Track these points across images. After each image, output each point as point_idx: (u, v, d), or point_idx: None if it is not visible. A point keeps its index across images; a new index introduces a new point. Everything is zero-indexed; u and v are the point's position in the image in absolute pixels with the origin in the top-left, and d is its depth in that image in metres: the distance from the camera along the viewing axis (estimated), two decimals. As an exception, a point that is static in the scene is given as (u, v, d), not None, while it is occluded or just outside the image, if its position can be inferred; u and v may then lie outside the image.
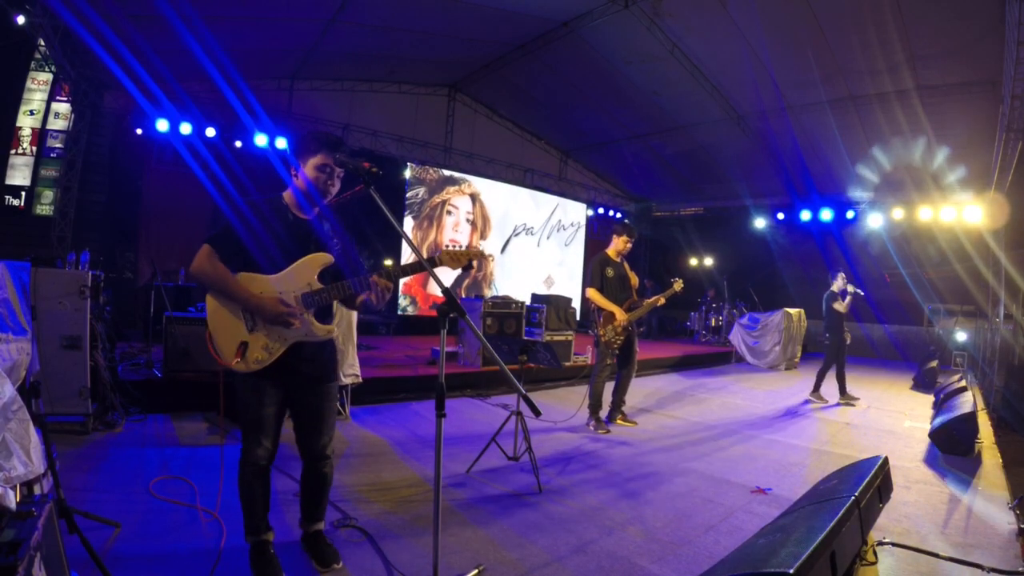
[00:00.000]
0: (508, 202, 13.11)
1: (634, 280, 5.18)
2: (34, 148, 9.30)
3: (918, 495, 3.66)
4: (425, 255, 2.04)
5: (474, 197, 12.52)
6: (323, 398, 2.34)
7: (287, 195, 2.30)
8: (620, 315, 4.89)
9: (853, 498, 2.24)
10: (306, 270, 2.19)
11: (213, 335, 2.15)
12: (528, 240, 13.57)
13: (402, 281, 11.11)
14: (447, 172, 12.10)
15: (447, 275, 11.38)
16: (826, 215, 11.87)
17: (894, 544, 2.75)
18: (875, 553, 2.58)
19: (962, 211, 9.91)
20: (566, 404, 5.76)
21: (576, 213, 14.75)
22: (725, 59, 8.81)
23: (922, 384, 8.50)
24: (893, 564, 2.61)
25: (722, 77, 9.40)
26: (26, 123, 9.33)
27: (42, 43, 7.33)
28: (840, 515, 2.06)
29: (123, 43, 6.26)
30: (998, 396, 7.59)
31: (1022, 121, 5.88)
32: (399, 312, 11.23)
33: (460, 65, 10.74)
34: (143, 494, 2.99)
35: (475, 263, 2.23)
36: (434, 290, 11.59)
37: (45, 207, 9.18)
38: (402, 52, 9.44)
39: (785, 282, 13.41)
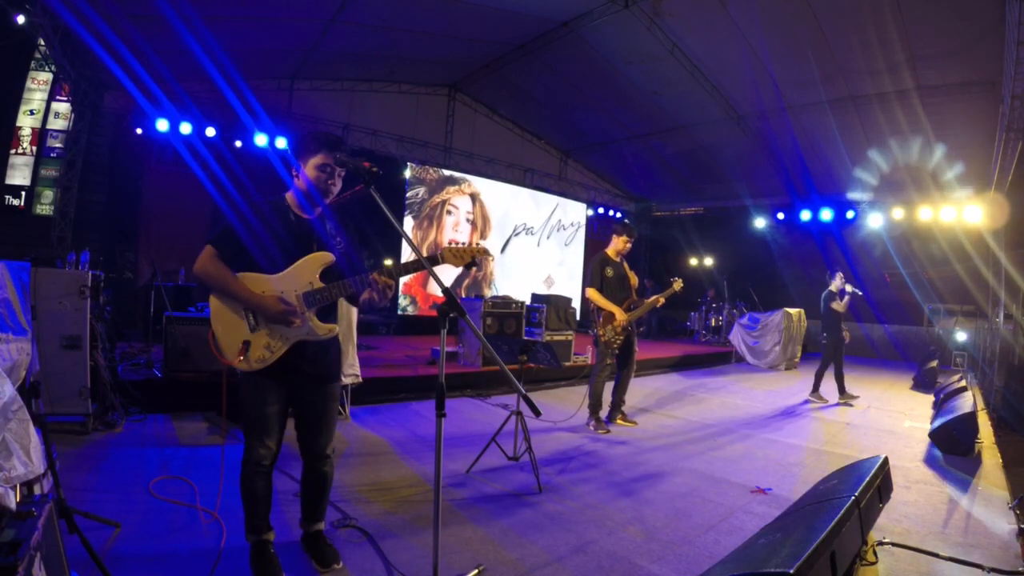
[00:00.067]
0: (508, 202, 13.12)
1: (634, 280, 5.18)
2: (34, 148, 9.30)
3: (918, 495, 3.66)
4: (425, 255, 2.03)
5: (474, 197, 12.52)
6: (325, 398, 2.35)
7: (289, 196, 2.31)
8: (620, 315, 4.89)
9: (853, 498, 2.24)
10: (307, 269, 2.20)
11: (216, 334, 2.16)
12: (528, 240, 13.58)
13: (402, 281, 11.12)
14: (447, 172, 12.10)
15: (447, 275, 11.39)
16: (826, 215, 11.87)
17: (894, 544, 2.75)
18: (875, 553, 2.58)
19: (962, 211, 9.91)
20: (566, 404, 5.76)
21: (576, 213, 14.76)
22: (725, 59, 8.81)
23: (922, 384, 8.50)
24: (893, 564, 2.61)
25: (722, 77, 9.40)
26: (26, 123, 9.33)
27: (42, 43, 7.33)
28: (840, 515, 2.06)
29: (123, 43, 6.26)
30: (998, 396, 7.59)
31: (1022, 121, 5.88)
32: (399, 312, 11.24)
33: (460, 65, 10.74)
34: (143, 494, 2.99)
35: (479, 260, 2.23)
36: (434, 290, 11.60)
37: (45, 207, 9.18)
38: (402, 52, 9.44)
39: (785, 282, 13.41)
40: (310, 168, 2.22)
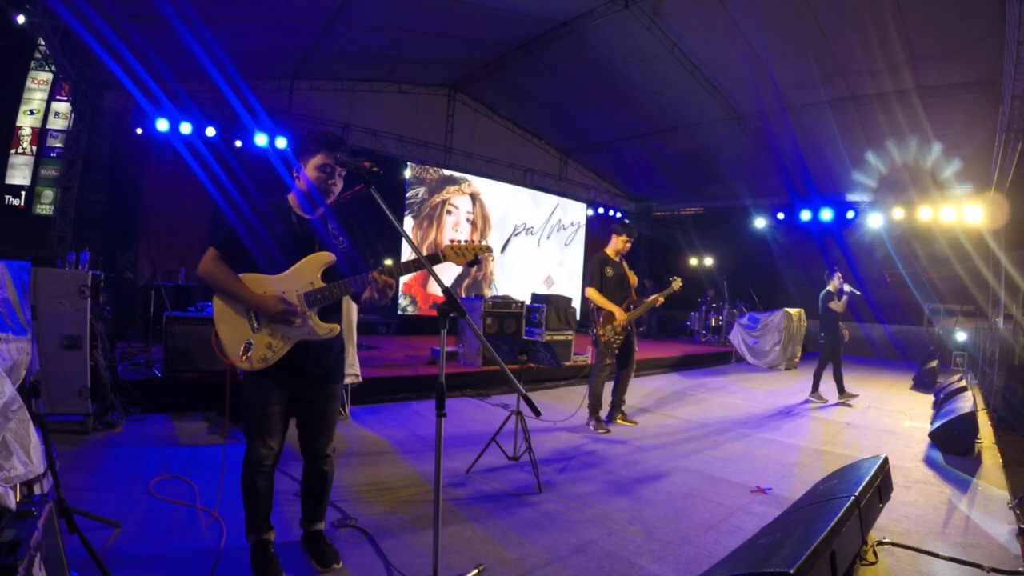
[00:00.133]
0: (508, 202, 13.12)
1: (633, 280, 5.19)
2: (34, 148, 9.31)
3: (918, 495, 3.66)
4: (425, 255, 2.03)
5: (474, 197, 12.52)
6: (327, 398, 2.36)
7: (291, 197, 2.33)
8: (619, 315, 4.90)
9: (853, 498, 2.24)
10: (308, 269, 2.21)
11: (219, 334, 2.19)
12: (528, 240, 13.57)
13: (402, 281, 11.12)
14: (447, 172, 12.10)
15: (447, 275, 11.39)
16: (826, 215, 11.87)
17: (894, 544, 2.75)
18: (875, 553, 2.58)
19: (962, 211, 9.92)
20: (566, 404, 5.76)
21: (576, 213, 14.76)
22: (725, 59, 8.81)
23: (922, 384, 8.50)
24: (893, 564, 2.61)
25: (722, 77, 9.40)
26: (26, 123, 9.34)
27: (42, 43, 7.33)
28: (840, 515, 2.06)
29: (123, 43, 6.26)
30: (998, 396, 7.59)
31: (1022, 121, 5.88)
32: (399, 312, 11.24)
33: (460, 65, 10.74)
34: (143, 494, 2.99)
35: (481, 258, 2.23)
36: (434, 290, 11.60)
37: (45, 207, 9.19)
38: (402, 52, 9.44)
39: (785, 282, 13.41)
40: (310, 169, 2.22)
